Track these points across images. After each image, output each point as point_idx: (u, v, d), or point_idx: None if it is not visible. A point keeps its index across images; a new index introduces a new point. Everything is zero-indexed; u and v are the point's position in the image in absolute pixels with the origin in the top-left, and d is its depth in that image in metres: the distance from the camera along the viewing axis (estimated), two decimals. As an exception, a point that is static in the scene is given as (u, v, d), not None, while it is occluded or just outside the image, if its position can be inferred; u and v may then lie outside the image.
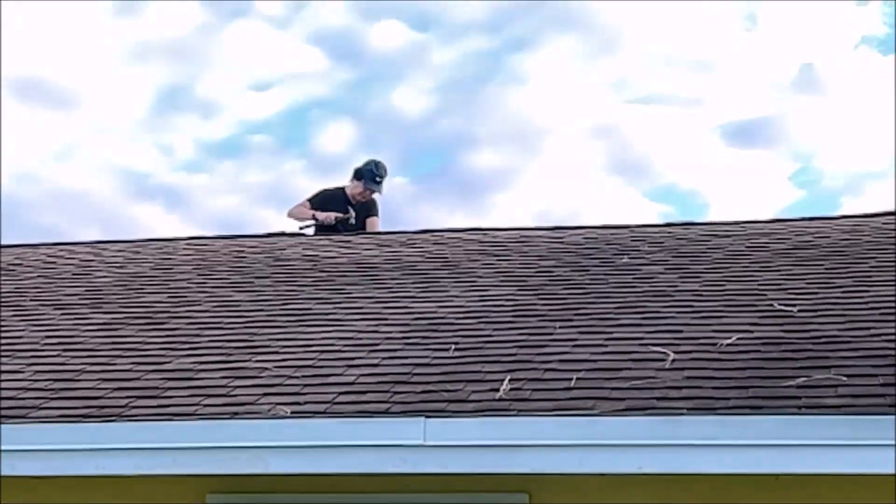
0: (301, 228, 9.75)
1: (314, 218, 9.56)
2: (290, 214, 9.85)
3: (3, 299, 7.48)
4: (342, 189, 9.96)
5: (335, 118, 24.26)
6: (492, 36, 24.00)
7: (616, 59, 24.14)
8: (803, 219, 8.59)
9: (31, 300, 7.44)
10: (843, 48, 23.53)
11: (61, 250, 8.97)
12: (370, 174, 9.84)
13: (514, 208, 23.40)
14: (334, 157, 23.34)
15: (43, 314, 7.07)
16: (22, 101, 23.88)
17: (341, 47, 23.31)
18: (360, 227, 9.77)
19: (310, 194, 10.02)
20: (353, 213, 9.72)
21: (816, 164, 25.06)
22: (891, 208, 8.47)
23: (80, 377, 5.73)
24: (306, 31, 23.54)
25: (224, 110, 24.78)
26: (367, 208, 9.90)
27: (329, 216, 9.58)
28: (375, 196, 9.98)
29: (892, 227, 7.92)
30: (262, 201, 23.90)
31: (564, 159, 23.80)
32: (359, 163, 10.15)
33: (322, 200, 9.88)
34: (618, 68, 24.50)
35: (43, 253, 8.88)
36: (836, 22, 23.08)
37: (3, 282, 7.98)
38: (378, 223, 9.85)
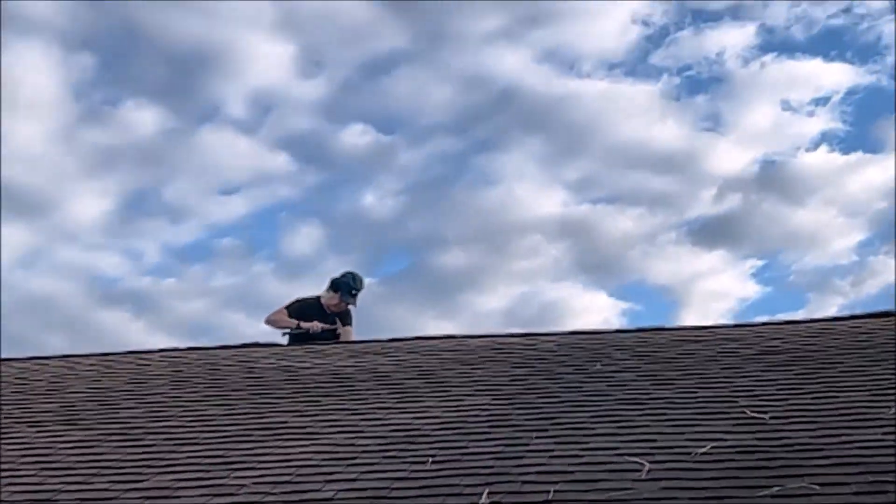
0: (282, 335, 9.79)
1: (298, 326, 9.60)
2: (269, 321, 9.89)
3: (-23, 417, 7.46)
4: (317, 299, 10.04)
5: (303, 220, 24.44)
6: (458, 137, 24.35)
7: (581, 160, 24.51)
8: (771, 323, 8.72)
9: (6, 417, 7.42)
10: (804, 145, 23.99)
11: (35, 364, 8.96)
12: (347, 287, 9.94)
13: (483, 308, 23.50)
14: (303, 259, 23.48)
15: (17, 431, 7.05)
16: (-12, 207, 23.90)
17: (309, 150, 23.59)
18: (334, 336, 9.84)
19: (286, 302, 10.08)
20: (339, 325, 9.78)
21: (782, 261, 25.38)
22: (857, 311, 8.62)
23: (58, 497, 5.71)
24: (274, 134, 23.79)
25: (192, 214, 24.90)
26: (342, 317, 9.98)
27: (316, 325, 9.63)
28: (350, 307, 10.07)
29: (859, 330, 8.05)
30: (231, 305, 23.92)
31: (532, 258, 24.01)
32: (331, 269, 10.31)
33: (299, 310, 9.95)
34: (584, 167, 24.86)
35: (16, 367, 8.87)
36: (795, 120, 23.56)
37: (-23, 399, 7.97)
38: (353, 332, 9.92)
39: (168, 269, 25.31)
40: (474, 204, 23.74)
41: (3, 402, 7.85)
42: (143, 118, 22.99)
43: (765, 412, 6.28)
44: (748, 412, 6.32)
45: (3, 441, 6.85)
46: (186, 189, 24.08)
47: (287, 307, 9.98)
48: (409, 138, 24.37)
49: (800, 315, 9.14)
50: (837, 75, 23.64)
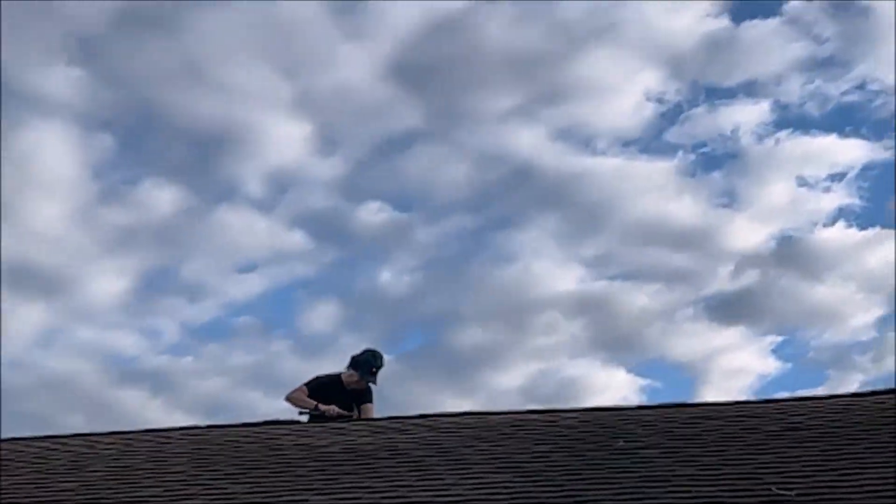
0: (300, 414, 9.75)
1: (317, 408, 9.57)
2: (289, 399, 9.87)
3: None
4: (338, 376, 10.02)
5: (320, 298, 24.49)
6: (475, 214, 24.46)
7: (598, 236, 24.54)
8: (794, 399, 8.67)
9: (26, 497, 7.39)
10: (821, 221, 23.98)
11: (54, 444, 8.95)
12: (367, 365, 9.92)
13: (501, 385, 23.41)
14: (320, 337, 23.48)
15: (38, 511, 7.02)
16: (8, 287, 24.02)
17: (325, 228, 23.69)
18: (356, 415, 9.80)
19: (306, 379, 10.06)
20: (356, 413, 9.74)
21: (801, 337, 25.26)
22: (879, 387, 8.56)
23: (78, 578, 5.67)
24: (291, 212, 23.95)
25: (209, 292, 24.98)
26: (362, 395, 9.95)
27: (332, 409, 9.60)
28: (370, 384, 10.03)
29: (883, 406, 7.99)
30: (248, 383, 23.89)
31: (550, 335, 23.94)
32: (348, 346, 10.27)
33: (318, 387, 9.92)
34: (601, 244, 24.88)
35: (37, 446, 8.86)
36: (812, 196, 23.58)
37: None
38: (373, 410, 9.88)
39: (186, 347, 25.36)
40: (491, 281, 23.79)
41: (22, 482, 7.83)
42: (162, 197, 23.21)
43: (790, 489, 6.22)
44: (774, 489, 6.25)
45: (23, 520, 6.83)
46: (204, 267, 24.22)
47: (307, 384, 9.96)
48: (425, 215, 24.51)
49: (820, 391, 9.07)
50: (853, 151, 23.74)
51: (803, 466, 6.73)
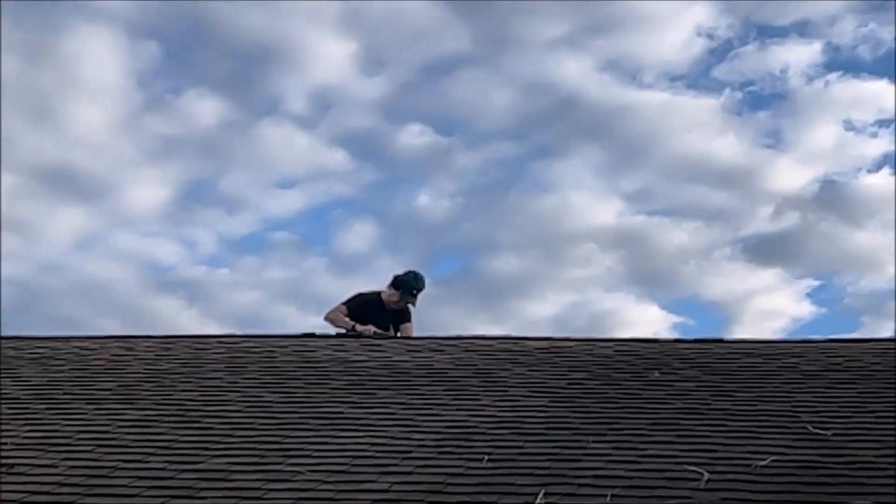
0: (336, 334, 9.76)
1: (354, 329, 9.58)
2: (328, 318, 9.87)
3: (36, 392, 7.53)
4: (378, 294, 10.01)
5: (358, 218, 24.47)
6: (516, 143, 24.28)
7: (639, 171, 24.35)
8: (833, 340, 8.61)
9: (65, 394, 7.48)
10: (865, 166, 23.70)
11: (93, 343, 9.03)
12: (408, 286, 9.89)
13: (533, 315, 23.42)
14: (356, 257, 23.50)
15: (76, 408, 7.10)
16: (49, 190, 24.17)
17: (366, 148, 23.61)
18: (394, 334, 9.82)
19: (346, 297, 10.06)
20: (393, 332, 9.74)
21: (837, 282, 25.08)
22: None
23: (115, 474, 5.74)
24: (332, 131, 23.83)
25: (248, 206, 25.00)
26: (402, 314, 9.95)
27: (369, 329, 9.61)
28: (409, 306, 10.02)
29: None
30: (282, 298, 23.99)
31: (585, 267, 23.88)
32: (383, 268, 10.25)
33: (358, 305, 9.91)
34: (641, 179, 24.70)
35: (75, 346, 8.95)
36: (858, 140, 23.28)
37: (37, 373, 8.04)
38: (412, 330, 9.89)
39: (222, 259, 25.49)
40: (529, 210, 23.68)
41: (62, 379, 7.92)
42: (205, 109, 23.17)
43: (827, 429, 6.19)
44: (810, 428, 6.23)
45: (62, 417, 6.91)
46: (244, 181, 24.22)
47: (347, 302, 9.97)
48: (466, 141, 24.36)
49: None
50: (903, 96, 23.33)
51: (840, 407, 6.70)
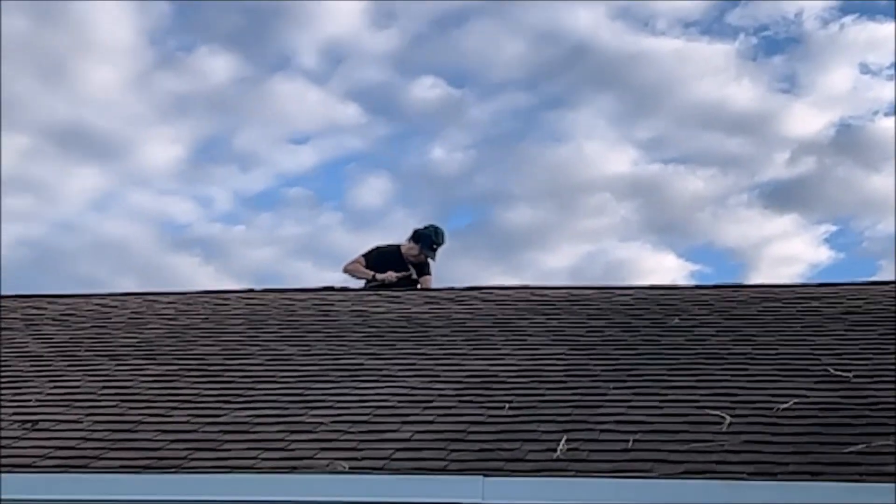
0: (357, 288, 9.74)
1: (374, 278, 9.57)
2: (346, 270, 9.86)
3: (58, 349, 7.57)
4: (397, 247, 9.99)
5: (372, 172, 24.37)
6: (528, 93, 24.09)
7: (653, 119, 24.19)
8: (853, 284, 8.57)
9: (86, 350, 7.52)
10: (882, 109, 23.50)
11: (113, 300, 9.06)
12: (428, 240, 9.86)
13: (548, 266, 23.36)
14: (371, 211, 23.45)
15: (98, 364, 7.14)
16: (62, 150, 24.17)
17: (379, 102, 23.49)
18: (414, 284, 9.81)
19: (364, 249, 10.05)
20: (413, 271, 9.73)
21: (854, 227, 24.94)
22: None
23: (138, 428, 5.78)
24: (344, 85, 23.70)
25: (262, 163, 24.95)
26: (421, 268, 9.94)
27: (390, 275, 9.59)
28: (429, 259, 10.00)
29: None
30: (298, 254, 23.99)
31: (600, 217, 23.81)
32: (398, 222, 10.31)
33: (377, 257, 9.90)
34: (655, 127, 24.54)
35: (95, 304, 8.98)
36: (874, 83, 23.08)
37: (58, 331, 8.08)
38: (431, 282, 9.87)
39: (237, 216, 25.46)
40: (543, 161, 23.55)
41: (84, 336, 7.96)
42: (216, 65, 23.05)
43: (848, 371, 6.19)
44: (831, 370, 6.22)
45: (84, 373, 6.95)
46: (257, 137, 24.14)
47: (366, 255, 9.96)
48: (479, 92, 24.20)
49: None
50: (919, 38, 23.08)
51: (862, 349, 6.69)
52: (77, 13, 21.36)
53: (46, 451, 5.43)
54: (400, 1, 21.92)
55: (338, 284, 9.77)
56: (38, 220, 23.54)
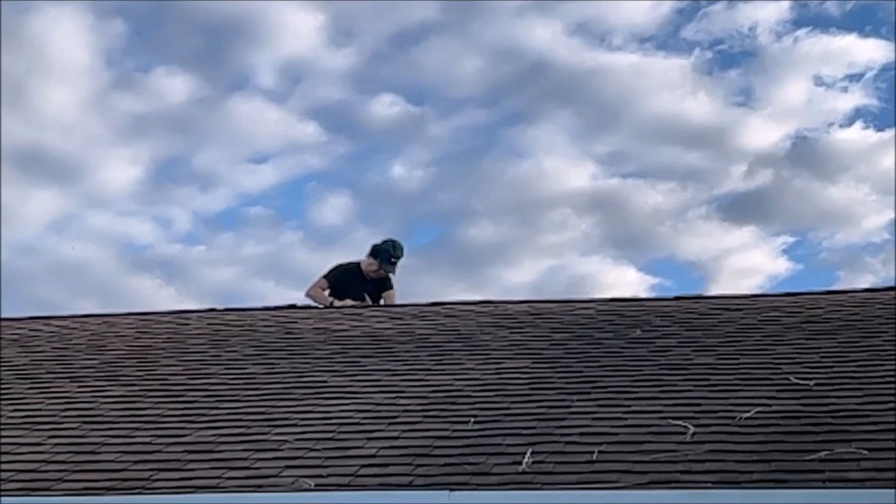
0: None
1: (332, 305, 9.58)
2: (308, 295, 9.87)
3: (18, 372, 7.50)
4: (357, 264, 10.00)
5: (333, 191, 24.37)
6: (488, 110, 24.18)
7: (612, 134, 24.33)
8: (813, 293, 8.65)
9: (47, 373, 7.46)
10: (837, 121, 23.76)
11: (73, 322, 9.00)
12: (386, 254, 9.90)
13: (511, 281, 23.42)
14: (332, 229, 23.43)
15: (59, 386, 7.08)
16: (21, 172, 24.02)
17: (338, 120, 23.50)
18: (375, 301, 9.81)
19: (325, 269, 10.06)
20: (368, 300, 9.73)
21: (813, 238, 25.17)
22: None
23: (101, 450, 5.74)
24: (303, 104, 23.72)
25: (222, 182, 24.90)
26: (382, 283, 9.95)
27: (348, 303, 9.62)
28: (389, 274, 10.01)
29: (902, 301, 7.97)
30: (260, 273, 23.91)
31: (561, 232, 23.91)
32: (360, 240, 10.26)
33: (338, 275, 9.92)
34: (614, 142, 24.69)
35: (55, 325, 8.91)
36: (829, 95, 23.34)
37: (18, 354, 8.00)
38: (395, 296, 9.88)
39: (198, 236, 25.34)
40: (503, 177, 23.63)
41: (44, 358, 7.89)
42: (174, 85, 22.98)
43: (809, 379, 6.23)
44: (792, 378, 6.27)
45: (46, 395, 6.89)
46: (216, 157, 24.07)
47: (326, 275, 9.97)
48: (438, 110, 24.26)
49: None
50: (872, 51, 23.33)
51: (822, 357, 6.74)
52: (33, 34, 21.24)
53: (9, 474, 5.38)
54: (358, 19, 21.95)
55: (300, 303, 9.76)
56: (-4, 244, 23.35)
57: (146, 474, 5.29)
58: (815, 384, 6.14)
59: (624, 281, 22.83)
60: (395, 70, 22.95)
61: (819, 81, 23.11)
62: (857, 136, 23.27)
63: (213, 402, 6.53)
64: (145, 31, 22.96)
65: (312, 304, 9.74)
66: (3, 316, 9.30)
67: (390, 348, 7.70)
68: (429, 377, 6.86)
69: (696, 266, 24.61)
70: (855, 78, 23.05)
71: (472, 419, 5.87)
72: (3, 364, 7.74)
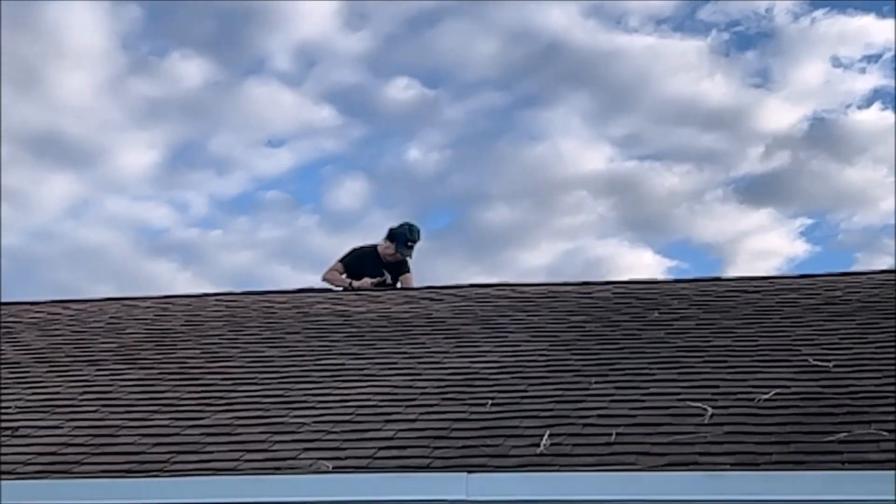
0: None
1: (350, 286, 9.56)
2: (325, 279, 9.85)
3: (37, 356, 7.53)
4: (374, 247, 9.98)
5: (348, 174, 24.36)
6: (503, 92, 24.11)
7: (628, 116, 24.24)
8: (831, 274, 8.61)
9: (66, 356, 7.48)
10: (855, 102, 23.63)
11: (92, 306, 9.02)
12: (403, 238, 9.87)
13: (527, 264, 23.39)
14: (348, 213, 23.43)
15: (78, 370, 7.11)
16: (37, 157, 24.07)
17: (353, 104, 23.48)
18: (393, 285, 9.80)
19: (342, 253, 10.05)
20: (388, 276, 9.72)
21: (830, 220, 25.06)
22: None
23: (120, 433, 5.76)
24: (319, 88, 23.71)
25: (238, 166, 24.93)
26: (399, 266, 9.93)
27: (365, 282, 9.60)
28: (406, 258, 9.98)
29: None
30: (276, 257, 23.94)
31: (577, 215, 23.86)
32: (375, 223, 10.21)
33: (355, 259, 9.90)
34: (630, 124, 24.60)
35: (74, 309, 8.94)
36: (846, 77, 23.20)
37: (37, 337, 8.04)
38: (412, 280, 9.87)
39: (214, 220, 25.37)
40: (519, 159, 23.57)
41: (62, 342, 7.92)
42: (189, 70, 22.99)
43: (828, 360, 6.21)
44: (811, 360, 6.25)
45: (64, 378, 6.91)
46: (232, 141, 24.08)
47: (343, 258, 9.95)
48: (453, 92, 24.20)
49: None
50: (890, 32, 23.18)
51: (841, 339, 6.72)
52: (49, 19, 21.27)
53: (27, 457, 5.40)
54: (372, 2, 21.91)
55: (317, 286, 9.77)
56: (15, 229, 23.42)
57: (164, 457, 5.31)
58: (834, 366, 6.12)
59: (641, 264, 22.78)
60: (410, 53, 22.91)
61: (836, 62, 22.98)
62: (875, 117, 23.14)
63: (231, 385, 6.54)
64: (160, 15, 22.96)
65: (331, 287, 9.74)
66: (23, 300, 9.34)
67: (408, 331, 7.70)
68: (446, 360, 6.86)
69: (713, 248, 24.55)
70: (873, 59, 22.90)
71: (490, 401, 5.86)
72: (22, 348, 7.77)
